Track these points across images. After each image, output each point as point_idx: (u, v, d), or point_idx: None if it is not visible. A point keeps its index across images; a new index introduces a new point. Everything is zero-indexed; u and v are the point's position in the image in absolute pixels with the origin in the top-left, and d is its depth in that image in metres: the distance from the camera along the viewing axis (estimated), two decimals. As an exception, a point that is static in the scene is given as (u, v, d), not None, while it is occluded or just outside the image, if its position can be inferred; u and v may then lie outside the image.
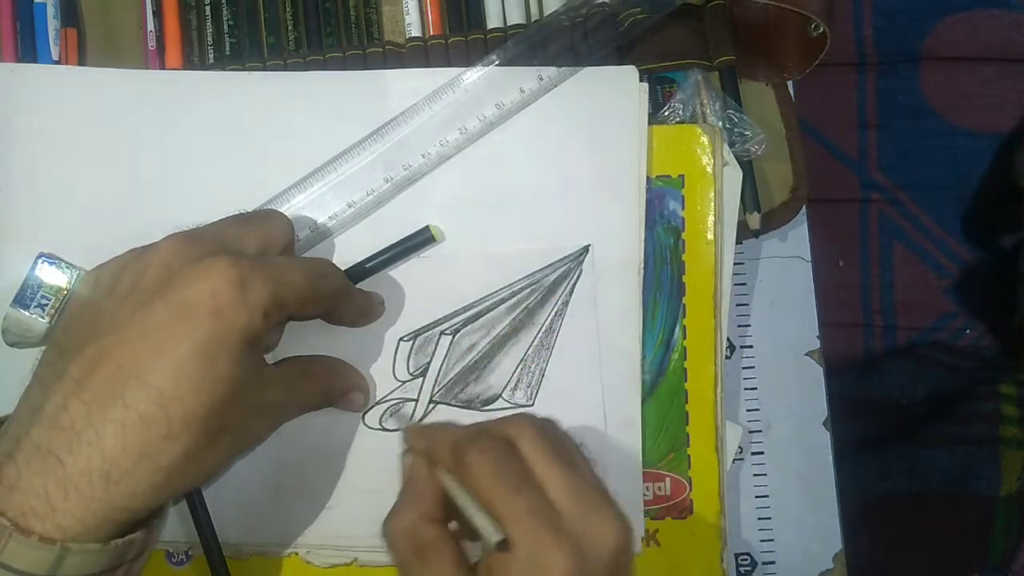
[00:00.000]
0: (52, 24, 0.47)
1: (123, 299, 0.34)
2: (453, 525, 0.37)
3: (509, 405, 0.45)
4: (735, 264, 0.46)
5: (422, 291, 0.45)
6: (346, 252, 0.44)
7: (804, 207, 0.48)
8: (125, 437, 0.32)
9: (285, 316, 0.37)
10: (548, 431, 0.37)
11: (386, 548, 0.36)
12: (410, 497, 0.37)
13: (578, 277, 0.45)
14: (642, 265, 0.45)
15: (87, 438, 0.31)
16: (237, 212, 0.42)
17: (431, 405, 0.45)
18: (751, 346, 0.48)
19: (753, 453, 0.48)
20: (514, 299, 0.45)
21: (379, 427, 0.45)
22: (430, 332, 0.45)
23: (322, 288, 0.39)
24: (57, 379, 0.33)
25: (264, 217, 0.41)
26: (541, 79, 0.44)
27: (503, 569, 0.33)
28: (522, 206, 0.45)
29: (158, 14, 0.48)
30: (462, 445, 0.35)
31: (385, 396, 0.45)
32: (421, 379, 0.45)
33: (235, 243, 0.37)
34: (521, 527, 0.33)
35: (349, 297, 0.41)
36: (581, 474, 0.35)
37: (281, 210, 0.43)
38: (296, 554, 0.45)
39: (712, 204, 0.45)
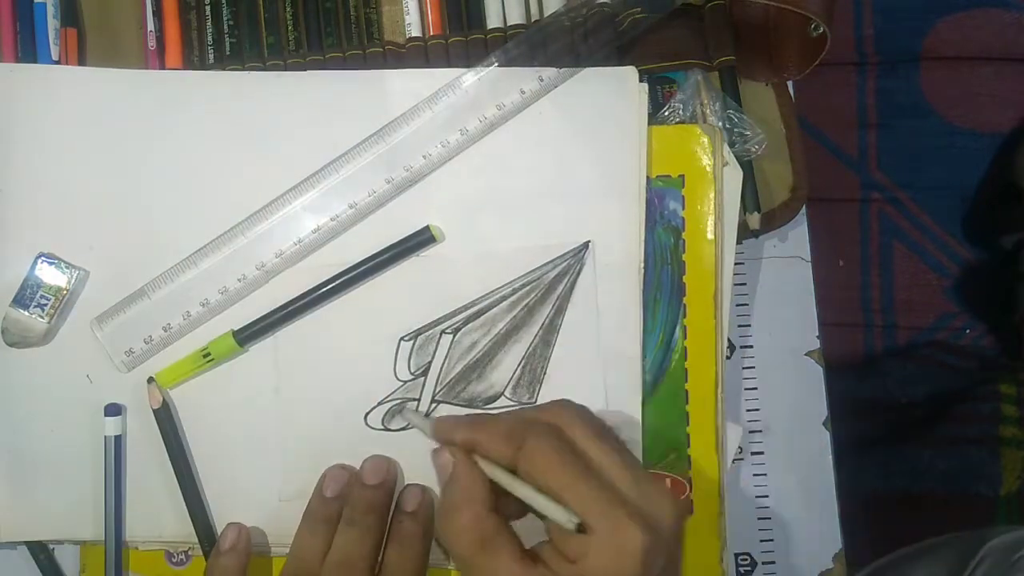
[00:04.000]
0: (52, 24, 0.47)
1: None
2: None
3: (511, 403, 0.45)
4: (735, 264, 0.46)
5: (422, 290, 0.45)
6: (347, 252, 0.44)
7: (804, 207, 0.48)
8: None
9: None
10: (588, 416, 0.38)
11: (447, 546, 0.37)
12: (462, 493, 0.37)
13: (578, 273, 0.45)
14: (642, 265, 0.45)
15: None
16: (235, 211, 0.43)
17: (433, 404, 0.45)
18: (751, 346, 0.48)
19: (753, 453, 0.48)
20: (514, 296, 0.45)
21: (381, 427, 0.45)
22: (431, 331, 0.45)
23: None
24: None
25: None
26: (541, 80, 0.44)
27: (579, 550, 0.34)
28: (522, 206, 0.45)
29: (158, 14, 0.48)
30: (516, 434, 0.36)
31: (387, 396, 0.45)
32: (423, 378, 0.45)
33: None
34: (594, 510, 0.34)
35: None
36: (628, 455, 0.37)
37: (283, 212, 0.44)
38: (296, 554, 0.45)
39: (712, 204, 0.45)
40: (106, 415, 0.44)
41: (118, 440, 0.44)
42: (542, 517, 0.36)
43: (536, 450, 0.36)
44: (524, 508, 0.37)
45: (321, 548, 0.41)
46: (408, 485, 0.44)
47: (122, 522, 0.45)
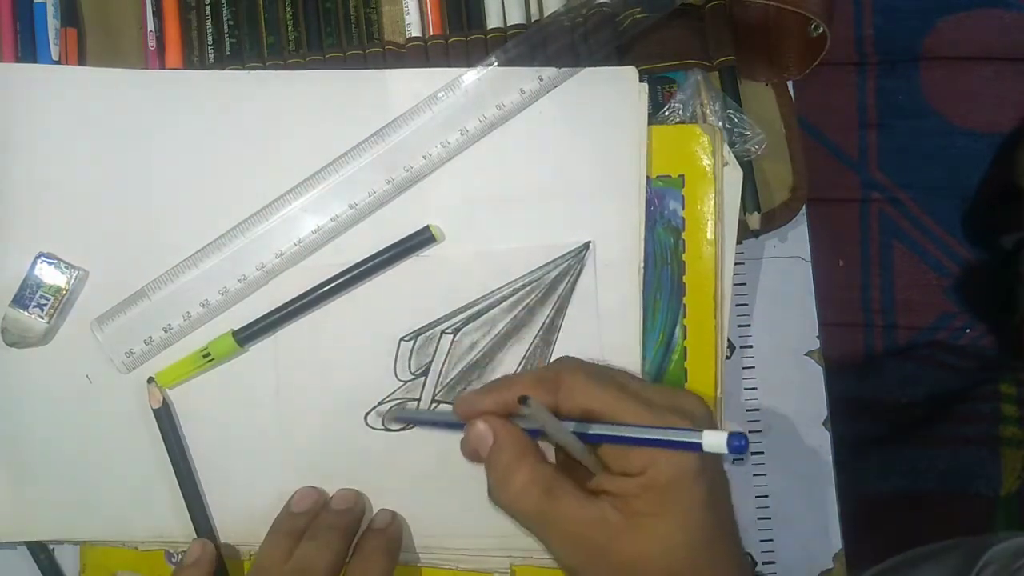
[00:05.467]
0: (52, 24, 0.47)
1: None
2: None
3: (511, 404, 0.45)
4: (735, 264, 0.46)
5: (423, 291, 0.45)
6: (347, 252, 0.44)
7: (804, 207, 0.48)
8: None
9: None
10: (590, 364, 0.41)
11: (510, 512, 0.38)
12: (512, 452, 0.38)
13: (579, 273, 0.45)
14: (642, 265, 0.45)
15: None
16: (235, 211, 0.42)
17: (433, 405, 0.45)
18: (751, 346, 0.48)
19: (753, 453, 0.48)
20: (515, 297, 0.45)
21: (381, 427, 0.45)
22: (431, 331, 0.45)
23: None
24: None
25: None
26: (541, 80, 0.44)
27: (645, 461, 0.35)
28: (522, 206, 0.45)
29: (158, 14, 0.48)
30: (548, 378, 0.38)
31: (387, 396, 0.45)
32: (423, 379, 0.45)
33: None
34: (647, 420, 0.36)
35: None
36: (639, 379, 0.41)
37: (283, 212, 0.44)
38: (296, 554, 0.45)
39: (712, 204, 0.45)
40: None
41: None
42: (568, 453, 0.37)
43: (571, 378, 0.38)
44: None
45: (282, 559, 0.41)
46: (381, 509, 0.45)
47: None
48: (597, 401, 0.37)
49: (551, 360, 0.44)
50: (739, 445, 0.33)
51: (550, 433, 0.36)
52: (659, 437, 0.35)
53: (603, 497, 0.36)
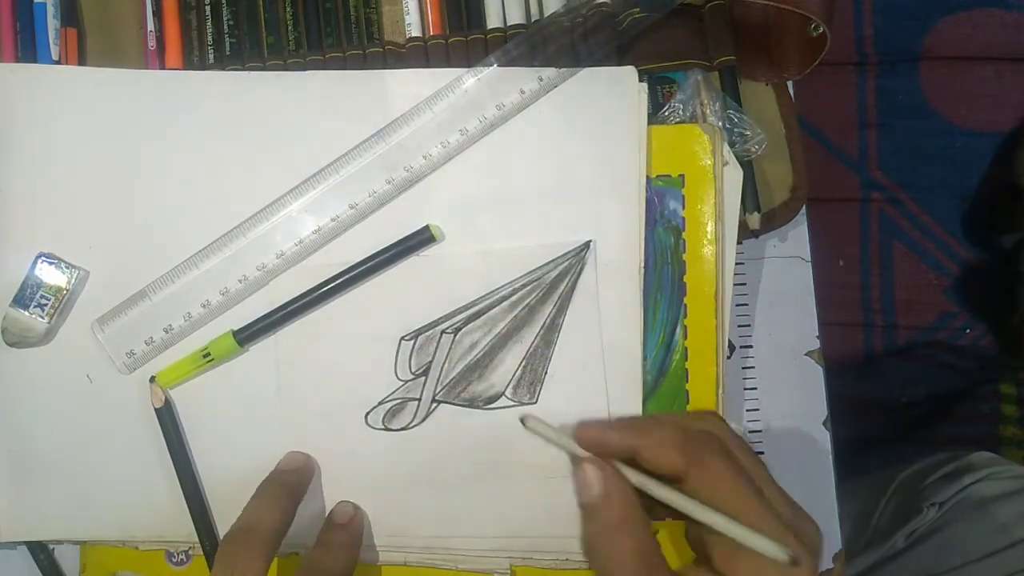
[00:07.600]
0: (52, 24, 0.47)
1: None
2: None
3: (512, 403, 0.45)
4: (735, 264, 0.46)
5: (423, 290, 0.45)
6: (347, 252, 0.44)
7: (804, 207, 0.48)
8: None
9: None
10: (736, 433, 0.38)
11: (602, 572, 0.35)
12: (621, 513, 0.35)
13: (579, 273, 0.45)
14: (642, 265, 0.45)
15: None
16: (236, 212, 0.42)
17: (433, 404, 0.45)
18: (751, 346, 0.48)
19: (753, 453, 0.48)
20: (515, 296, 0.45)
21: (381, 427, 0.45)
22: (431, 331, 0.45)
23: None
24: None
25: None
26: (541, 80, 0.44)
27: (752, 568, 0.33)
28: (522, 206, 0.45)
29: (158, 14, 0.48)
30: (690, 448, 0.35)
31: (387, 396, 0.45)
32: (423, 378, 0.45)
33: None
34: (766, 527, 0.33)
35: None
36: (769, 473, 0.37)
37: (284, 212, 0.44)
38: (296, 554, 0.45)
39: (712, 204, 0.45)
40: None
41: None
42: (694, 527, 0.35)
43: (714, 466, 0.34)
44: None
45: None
46: (340, 502, 0.44)
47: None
48: (727, 498, 0.34)
49: (550, 364, 0.44)
50: None
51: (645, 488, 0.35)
52: (756, 544, 0.33)
53: None
